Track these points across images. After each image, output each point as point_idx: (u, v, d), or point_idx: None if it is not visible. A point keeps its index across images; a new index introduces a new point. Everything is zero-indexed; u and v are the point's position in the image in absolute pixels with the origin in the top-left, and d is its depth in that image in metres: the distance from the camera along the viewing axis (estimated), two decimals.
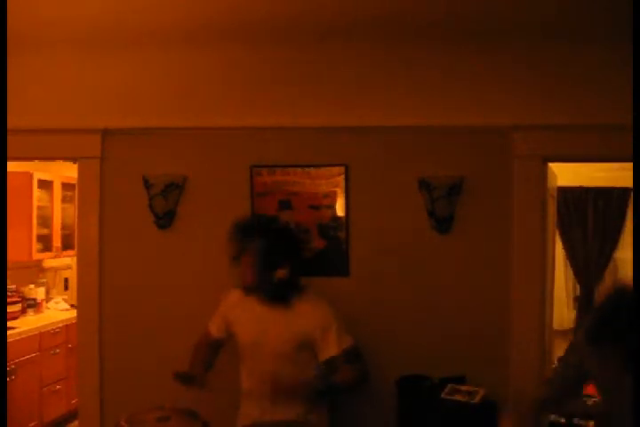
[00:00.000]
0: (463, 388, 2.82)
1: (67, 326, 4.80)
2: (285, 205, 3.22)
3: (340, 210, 3.21)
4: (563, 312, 5.81)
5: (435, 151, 3.18)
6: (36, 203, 4.86)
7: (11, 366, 4.03)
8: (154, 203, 3.22)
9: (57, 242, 5.20)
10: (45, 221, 5.06)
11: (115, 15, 2.86)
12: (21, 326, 4.46)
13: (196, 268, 3.24)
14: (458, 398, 2.76)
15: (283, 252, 2.39)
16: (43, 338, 4.55)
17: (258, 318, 2.44)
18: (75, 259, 4.18)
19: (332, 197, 3.21)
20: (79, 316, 3.33)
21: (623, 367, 1.82)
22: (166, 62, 3.27)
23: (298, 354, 2.38)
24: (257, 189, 3.23)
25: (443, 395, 2.79)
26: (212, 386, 2.46)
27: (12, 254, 3.91)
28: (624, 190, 5.60)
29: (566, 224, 5.73)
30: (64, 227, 5.28)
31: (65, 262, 5.70)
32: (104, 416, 3.21)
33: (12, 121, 2.74)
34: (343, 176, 3.19)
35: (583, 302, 5.78)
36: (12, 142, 2.71)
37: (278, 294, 2.39)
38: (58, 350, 4.71)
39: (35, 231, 4.84)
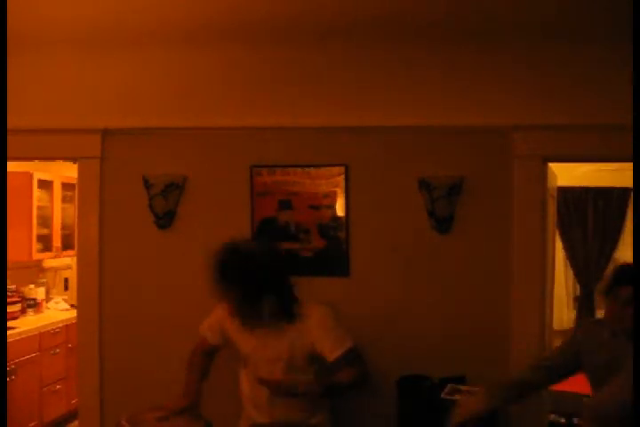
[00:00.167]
0: (463, 388, 2.81)
1: (67, 326, 4.79)
2: (285, 205, 3.22)
3: (340, 210, 3.21)
4: (563, 312, 5.81)
5: (435, 151, 3.18)
6: (35, 203, 4.85)
7: (11, 366, 4.03)
8: (154, 203, 3.22)
9: (57, 242, 5.20)
10: (45, 221, 5.06)
11: (115, 15, 2.86)
12: (21, 326, 4.45)
13: (196, 268, 3.21)
14: (458, 398, 2.76)
15: (263, 285, 2.26)
16: (43, 338, 4.54)
17: (256, 332, 2.40)
18: (75, 259, 4.18)
19: (332, 197, 3.21)
20: (79, 316, 3.34)
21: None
22: (166, 62, 3.27)
23: (297, 361, 2.36)
24: (257, 189, 3.23)
25: (443, 395, 2.78)
26: (216, 388, 2.44)
27: (12, 254, 3.91)
28: (624, 190, 5.59)
29: (566, 224, 5.73)
30: (64, 227, 5.28)
31: (65, 262, 5.69)
32: (104, 416, 3.21)
33: (12, 121, 2.73)
34: (343, 176, 3.19)
35: (583, 302, 5.78)
36: (12, 142, 2.71)
37: (271, 322, 2.35)
38: (58, 350, 4.70)
39: (35, 231, 4.83)
